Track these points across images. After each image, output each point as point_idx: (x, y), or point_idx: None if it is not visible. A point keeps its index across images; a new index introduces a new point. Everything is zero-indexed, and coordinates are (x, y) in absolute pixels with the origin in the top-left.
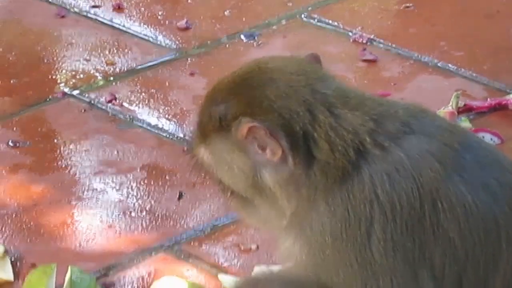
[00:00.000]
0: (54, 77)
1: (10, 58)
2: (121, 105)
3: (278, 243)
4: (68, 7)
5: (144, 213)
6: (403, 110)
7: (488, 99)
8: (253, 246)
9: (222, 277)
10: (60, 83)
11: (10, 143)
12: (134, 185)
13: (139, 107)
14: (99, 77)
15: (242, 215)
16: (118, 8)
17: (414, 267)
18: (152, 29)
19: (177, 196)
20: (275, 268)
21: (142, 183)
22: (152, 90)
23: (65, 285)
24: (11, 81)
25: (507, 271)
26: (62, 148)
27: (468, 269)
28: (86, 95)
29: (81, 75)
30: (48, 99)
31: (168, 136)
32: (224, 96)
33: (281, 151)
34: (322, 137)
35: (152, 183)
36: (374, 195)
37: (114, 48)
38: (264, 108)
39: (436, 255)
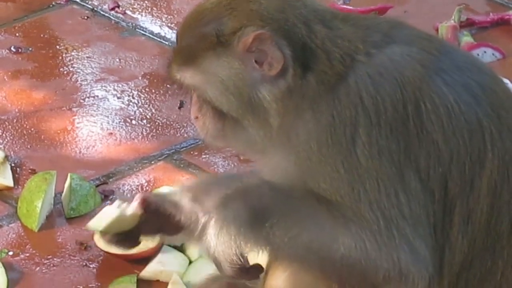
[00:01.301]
0: None
1: None
2: (124, 13)
3: (265, 164)
4: None
5: (144, 121)
6: (385, 23)
7: (491, 14)
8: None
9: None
10: None
11: (12, 49)
12: (135, 93)
13: (142, 15)
14: None
15: (226, 140)
16: None
17: (400, 169)
18: None
19: (178, 105)
20: None
21: (143, 91)
22: None
23: (64, 192)
24: None
25: (493, 170)
26: (64, 55)
27: (453, 170)
28: (89, 2)
29: None
30: (51, 5)
31: (170, 44)
32: (216, 13)
33: (282, 62)
34: (319, 47)
35: (153, 91)
36: (359, 99)
37: None
38: (265, 19)
39: (421, 157)
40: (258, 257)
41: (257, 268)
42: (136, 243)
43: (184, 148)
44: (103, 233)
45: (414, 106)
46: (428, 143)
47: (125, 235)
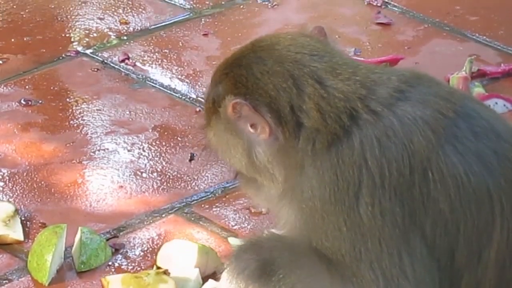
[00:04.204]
0: (67, 35)
1: (24, 16)
2: (134, 65)
3: (278, 218)
4: None
5: (155, 174)
6: (397, 77)
7: (502, 65)
8: (264, 210)
9: (232, 240)
10: (74, 41)
11: (23, 101)
12: (145, 145)
13: (152, 67)
14: (113, 36)
15: (250, 195)
16: None
17: (405, 232)
18: None
19: (189, 158)
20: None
21: (153, 143)
22: (165, 50)
23: (75, 245)
24: (25, 39)
25: (501, 245)
26: (74, 107)
27: (460, 242)
28: (99, 54)
29: (95, 34)
30: (61, 58)
31: (180, 96)
32: (218, 77)
33: (268, 127)
34: (312, 107)
35: (163, 144)
36: (363, 160)
37: (128, 7)
38: (249, 86)
39: (427, 224)
40: None
41: None
42: None
43: (195, 201)
44: None
45: (421, 174)
46: (435, 212)
47: None
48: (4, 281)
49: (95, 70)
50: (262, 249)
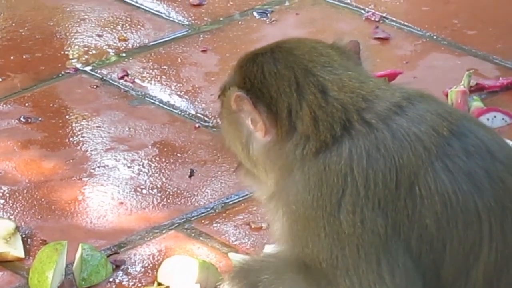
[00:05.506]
0: (66, 52)
1: (23, 33)
2: (133, 82)
3: (270, 221)
4: None
5: (155, 190)
6: (400, 93)
7: (500, 78)
8: (264, 225)
9: (232, 255)
10: (73, 58)
11: (22, 119)
12: (145, 162)
13: (151, 83)
14: (111, 53)
15: (249, 187)
16: None
17: (386, 242)
18: (165, 5)
19: (188, 174)
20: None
21: (153, 160)
22: (164, 67)
23: (75, 262)
24: (24, 56)
25: (488, 266)
26: (73, 124)
27: (446, 260)
28: (98, 71)
29: (94, 51)
30: (60, 75)
31: (180, 113)
32: (235, 67)
33: (264, 125)
34: (307, 114)
35: (163, 160)
36: (349, 169)
37: (127, 24)
38: (255, 84)
39: (412, 238)
40: None
41: None
42: None
43: (195, 217)
44: None
45: (407, 188)
46: (420, 227)
47: None
48: None
49: (94, 87)
50: (250, 272)
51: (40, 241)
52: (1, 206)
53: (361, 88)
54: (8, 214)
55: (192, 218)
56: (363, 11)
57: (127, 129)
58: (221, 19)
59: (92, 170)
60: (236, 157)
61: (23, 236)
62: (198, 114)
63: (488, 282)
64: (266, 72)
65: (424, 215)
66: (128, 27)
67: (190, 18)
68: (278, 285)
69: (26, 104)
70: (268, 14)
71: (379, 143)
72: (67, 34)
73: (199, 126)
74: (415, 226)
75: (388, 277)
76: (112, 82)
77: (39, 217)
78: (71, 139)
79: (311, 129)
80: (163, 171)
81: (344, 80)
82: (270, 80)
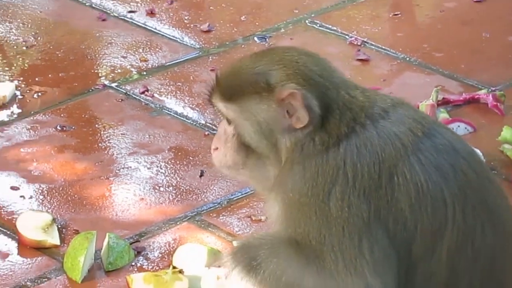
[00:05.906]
0: (96, 71)
1: (59, 55)
2: (153, 96)
3: (267, 206)
4: (108, 11)
5: (171, 188)
6: (390, 100)
7: (463, 94)
8: (263, 217)
9: (236, 243)
10: (101, 76)
11: (58, 127)
12: (162, 164)
13: (167, 97)
14: (134, 72)
15: (239, 173)
16: (151, 13)
17: (369, 224)
18: (179, 31)
19: (199, 174)
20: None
21: (169, 162)
22: (178, 83)
23: (103, 249)
24: (60, 74)
25: (451, 243)
26: (102, 132)
27: (417, 238)
28: (123, 87)
29: (119, 70)
30: (91, 90)
31: (192, 122)
32: (269, 65)
33: (306, 121)
34: (338, 109)
35: (177, 162)
36: (342, 163)
37: (147, 47)
38: (307, 80)
39: (389, 221)
40: None
41: None
42: None
43: (205, 211)
44: None
45: (388, 178)
46: (397, 210)
47: None
48: (44, 279)
49: (120, 100)
50: (250, 248)
51: (73, 231)
52: (40, 201)
53: (367, 91)
54: (46, 208)
55: (202, 212)
56: (347, 37)
57: (147, 136)
58: (227, 43)
59: (117, 171)
60: (241, 142)
61: (59, 226)
62: (207, 124)
63: (450, 256)
64: (313, 70)
65: (400, 200)
66: (148, 49)
67: (200, 42)
68: (273, 258)
69: (62, 115)
70: (267, 39)
71: (367, 141)
72: (97, 55)
73: (208, 134)
74: (392, 209)
75: (368, 252)
76: (135, 96)
77: (73, 210)
78: (99, 144)
79: (337, 123)
80: (177, 171)
81: (353, 84)
82: (317, 78)
